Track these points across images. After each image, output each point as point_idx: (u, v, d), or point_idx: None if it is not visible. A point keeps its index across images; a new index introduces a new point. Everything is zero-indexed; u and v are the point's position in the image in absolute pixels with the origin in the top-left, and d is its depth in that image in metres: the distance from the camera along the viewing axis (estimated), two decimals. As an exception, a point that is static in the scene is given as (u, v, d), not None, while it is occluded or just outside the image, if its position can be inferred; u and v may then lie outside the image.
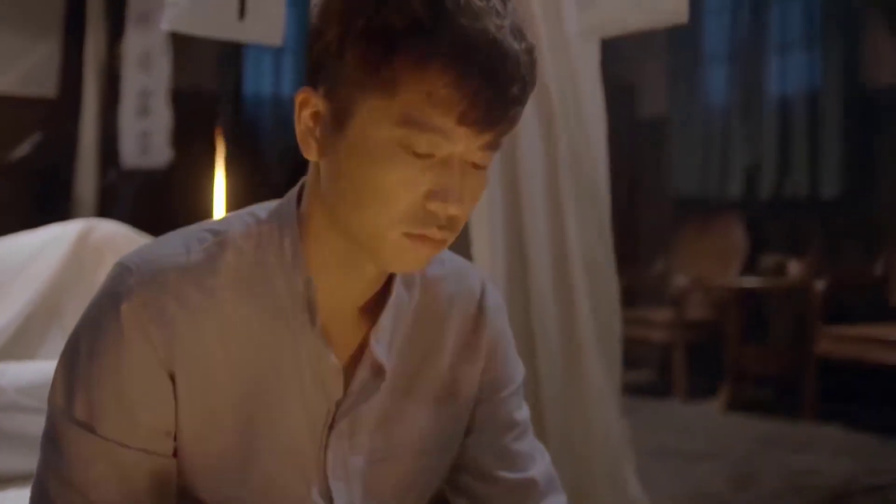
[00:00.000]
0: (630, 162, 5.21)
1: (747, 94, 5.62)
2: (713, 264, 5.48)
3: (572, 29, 2.01)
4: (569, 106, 2.13)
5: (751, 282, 5.06)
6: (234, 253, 0.98)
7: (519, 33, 0.89)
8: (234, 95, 5.25)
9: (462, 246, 2.07)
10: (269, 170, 5.30)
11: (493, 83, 0.87)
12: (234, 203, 4.71)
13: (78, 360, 0.94)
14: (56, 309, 1.96)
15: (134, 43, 4.44)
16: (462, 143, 0.89)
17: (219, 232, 0.99)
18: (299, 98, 0.95)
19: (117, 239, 2.11)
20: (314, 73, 0.94)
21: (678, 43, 5.73)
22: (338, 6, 0.90)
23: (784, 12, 5.45)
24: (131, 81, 4.45)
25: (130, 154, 4.45)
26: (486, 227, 2.06)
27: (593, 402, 2.12)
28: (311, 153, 0.95)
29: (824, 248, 5.17)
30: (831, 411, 4.49)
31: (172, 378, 0.94)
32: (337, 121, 0.91)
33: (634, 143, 5.62)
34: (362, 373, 1.01)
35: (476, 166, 0.92)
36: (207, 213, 4.82)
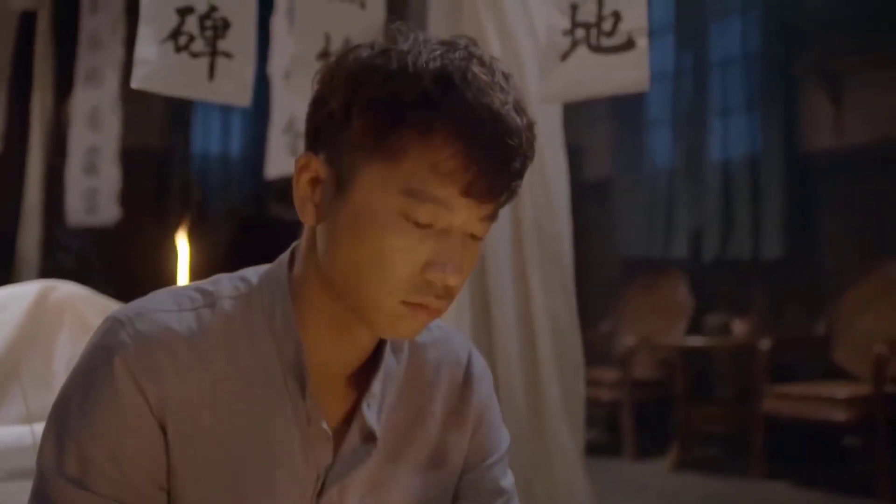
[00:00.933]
0: (577, 223, 5.27)
1: (690, 157, 5.75)
2: (659, 324, 5.55)
3: (535, 93, 2.05)
4: (532, 168, 2.16)
5: (697, 341, 5.13)
6: (224, 316, 0.97)
7: (521, 109, 0.91)
8: (183, 154, 5.22)
9: None
10: (218, 228, 5.27)
11: (497, 156, 0.89)
12: (184, 262, 4.66)
13: (69, 414, 0.92)
14: (15, 370, 1.91)
15: (83, 100, 4.41)
16: (463, 213, 0.90)
17: (209, 293, 0.99)
18: (300, 163, 0.96)
19: (76, 300, 2.07)
20: (315, 138, 0.96)
21: (622, 107, 5.85)
22: (345, 75, 0.91)
23: (724, 78, 5.62)
24: (79, 139, 4.42)
25: (77, 212, 4.39)
26: None
27: (559, 463, 2.13)
28: (308, 218, 0.95)
29: (767, 308, 5.27)
30: (779, 469, 4.54)
31: (164, 432, 0.92)
32: (338, 187, 0.92)
33: (581, 204, 5.70)
34: (352, 439, 1.01)
35: (473, 237, 0.94)
36: (156, 271, 4.76)
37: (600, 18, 1.90)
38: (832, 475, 4.55)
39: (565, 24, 1.94)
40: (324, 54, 2.09)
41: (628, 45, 1.88)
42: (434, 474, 1.09)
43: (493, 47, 2.00)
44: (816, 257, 5.16)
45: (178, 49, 1.83)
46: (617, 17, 1.89)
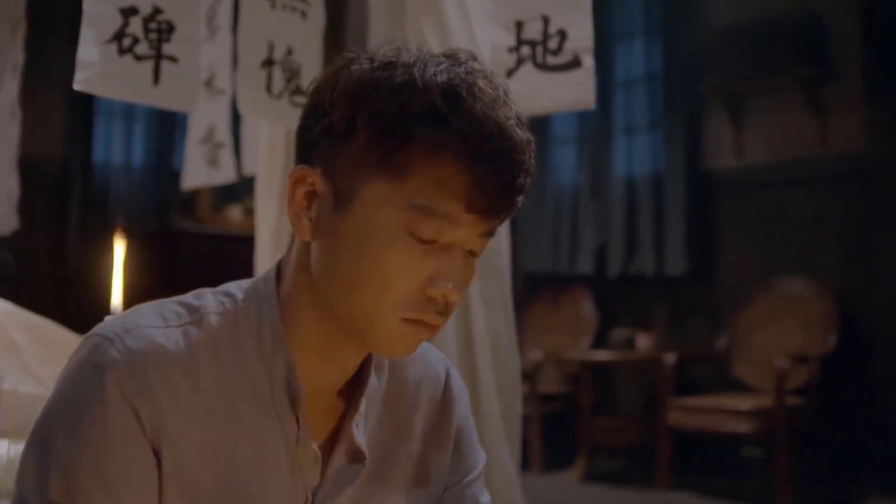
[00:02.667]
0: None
1: (595, 175, 5.87)
2: (565, 338, 5.63)
3: None
4: None
5: (602, 355, 5.22)
6: (211, 333, 0.94)
7: (522, 124, 0.91)
8: (84, 163, 5.06)
9: None
10: (119, 239, 5.10)
11: (504, 172, 0.88)
12: (85, 273, 4.50)
13: (53, 436, 0.86)
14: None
15: (-21, 106, 4.21)
16: (466, 229, 0.90)
17: (195, 309, 0.95)
18: (295, 176, 0.93)
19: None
20: (310, 151, 0.93)
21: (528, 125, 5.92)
22: (348, 87, 0.90)
23: (628, 98, 5.76)
24: (-26, 146, 4.22)
25: (-28, 222, 4.19)
26: None
27: (498, 480, 2.12)
28: (303, 233, 0.93)
29: (670, 322, 5.41)
30: (683, 479, 4.65)
31: (157, 453, 0.88)
32: (337, 201, 0.90)
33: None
34: (338, 459, 0.99)
35: (472, 253, 0.93)
36: (54, 281, 4.58)
37: (546, 36, 1.91)
38: (735, 485, 4.70)
39: (510, 41, 1.94)
40: (268, 62, 2.05)
41: (574, 63, 1.89)
42: (418, 492, 1.08)
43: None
44: (717, 274, 5.33)
45: (122, 52, 1.77)
46: (563, 35, 1.90)
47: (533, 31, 1.93)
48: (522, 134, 0.90)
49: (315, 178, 0.92)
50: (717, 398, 4.63)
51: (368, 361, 1.02)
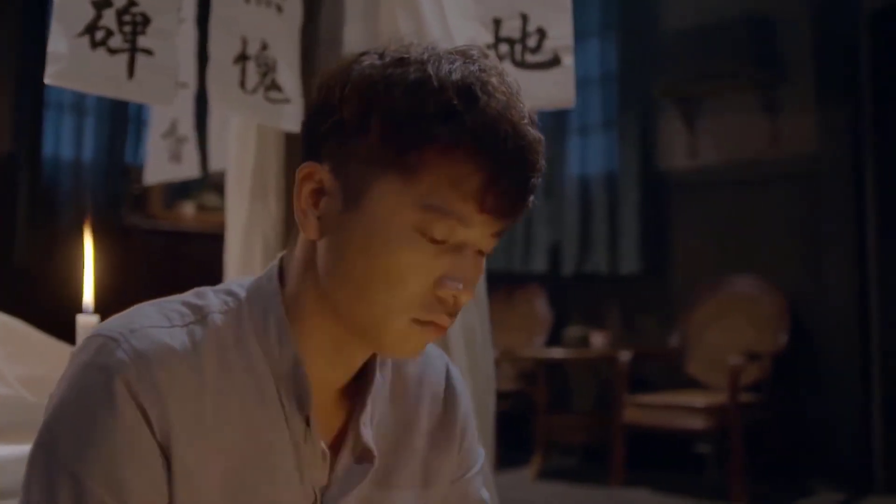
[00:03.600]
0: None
1: (550, 174, 5.89)
2: (519, 336, 5.65)
3: None
4: None
5: (557, 353, 5.25)
6: (215, 332, 0.92)
7: (533, 122, 0.90)
8: (32, 157, 4.95)
9: None
10: (68, 235, 5.01)
11: (518, 172, 0.87)
12: (34, 269, 4.41)
13: (59, 443, 0.83)
14: None
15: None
16: (478, 229, 0.89)
17: (198, 308, 0.93)
18: (302, 172, 0.92)
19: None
20: (317, 148, 0.92)
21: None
22: (360, 84, 0.88)
23: (583, 97, 5.79)
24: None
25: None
26: None
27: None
28: (311, 232, 0.91)
29: (624, 320, 5.46)
30: (638, 476, 4.70)
31: (167, 457, 0.86)
32: (347, 199, 0.89)
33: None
34: (345, 459, 0.97)
35: (480, 253, 0.92)
36: (0, 277, 4.46)
37: (525, 34, 1.91)
38: (688, 481, 4.76)
39: (488, 38, 1.93)
40: (241, 58, 2.02)
41: (554, 61, 1.90)
42: (425, 491, 1.07)
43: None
44: (670, 272, 5.39)
45: (95, 45, 1.72)
46: (542, 33, 1.90)
47: (511, 28, 1.92)
48: (535, 133, 0.89)
49: (323, 174, 0.90)
50: (671, 395, 4.69)
51: (373, 359, 1.01)
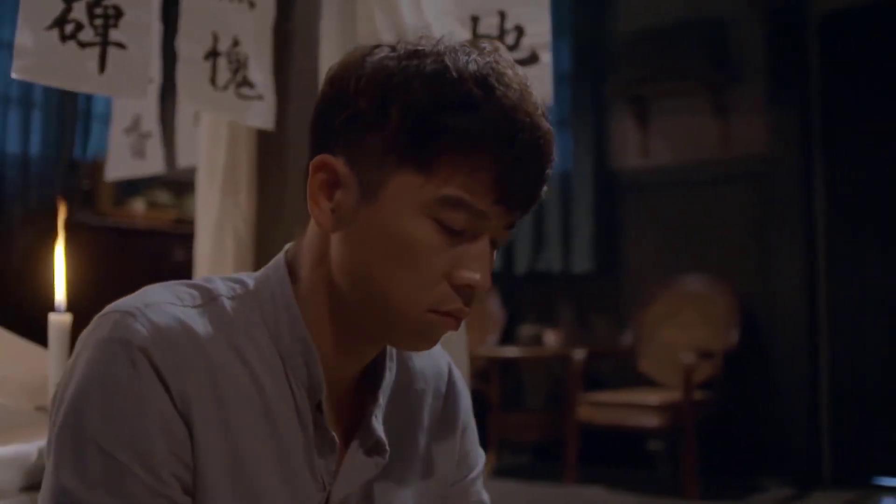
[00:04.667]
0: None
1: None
2: (473, 335, 5.62)
3: None
4: None
5: (510, 351, 5.27)
6: (225, 315, 0.91)
7: (545, 113, 0.90)
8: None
9: None
10: (14, 231, 4.89)
11: (534, 163, 0.88)
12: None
13: (86, 419, 0.82)
14: None
15: None
16: (494, 221, 0.89)
17: (207, 291, 0.92)
18: (315, 164, 0.91)
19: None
20: (330, 139, 0.91)
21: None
22: (376, 76, 0.88)
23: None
24: None
25: None
26: None
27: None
28: (324, 224, 0.90)
29: (576, 319, 5.50)
30: (591, 474, 4.74)
31: (190, 431, 0.85)
32: (364, 192, 0.88)
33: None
34: (354, 451, 0.97)
35: (493, 244, 0.92)
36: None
37: (503, 31, 1.91)
38: (641, 478, 4.81)
39: (466, 35, 1.93)
40: (212, 54, 1.98)
41: (532, 59, 1.89)
42: (425, 486, 1.06)
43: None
44: (622, 271, 5.44)
45: (65, 38, 1.67)
46: (520, 31, 1.90)
47: (489, 25, 1.92)
48: (547, 124, 0.89)
49: (338, 166, 0.89)
50: (625, 393, 4.73)
51: (382, 353, 1.01)
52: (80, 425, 0.82)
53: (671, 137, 5.25)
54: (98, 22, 1.72)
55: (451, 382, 1.12)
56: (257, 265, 2.18)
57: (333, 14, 2.03)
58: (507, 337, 5.57)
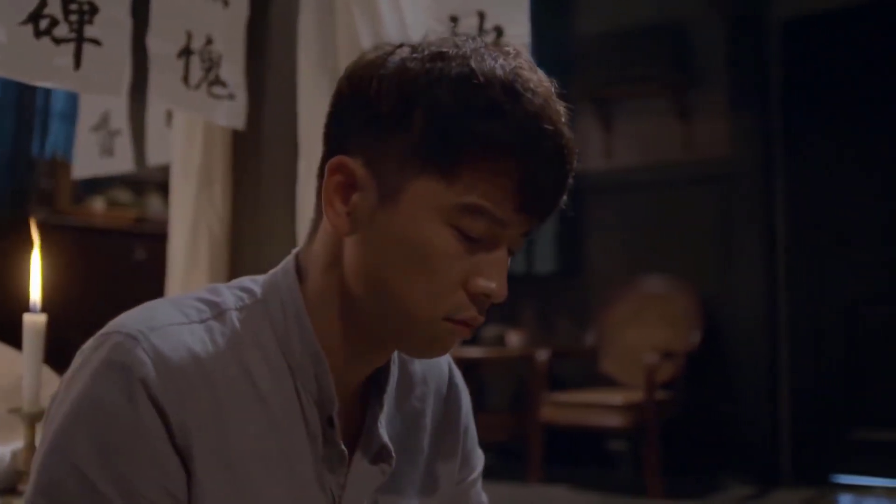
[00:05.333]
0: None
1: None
2: (436, 335, 5.64)
3: None
4: None
5: (473, 352, 5.27)
6: (233, 330, 0.89)
7: (568, 121, 0.90)
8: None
9: None
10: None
11: (556, 172, 0.88)
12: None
13: (75, 445, 0.79)
14: None
15: None
16: (513, 229, 0.88)
17: (214, 304, 0.90)
18: (332, 165, 0.89)
19: None
20: (346, 140, 0.89)
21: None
22: (399, 78, 0.86)
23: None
24: None
25: None
26: None
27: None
28: (339, 226, 0.89)
29: (539, 320, 5.52)
30: (555, 474, 4.75)
31: (187, 463, 0.82)
32: (383, 195, 0.87)
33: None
34: (360, 460, 0.95)
35: (510, 252, 0.91)
36: None
37: (482, 32, 1.91)
38: (604, 478, 4.84)
39: (445, 35, 1.93)
40: (185, 52, 1.96)
41: (510, 61, 1.90)
42: (431, 489, 1.05)
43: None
44: (585, 272, 5.46)
45: (39, 34, 1.64)
46: (499, 31, 1.91)
47: (468, 26, 1.92)
48: (570, 132, 0.89)
49: (356, 169, 0.88)
50: (588, 394, 4.75)
51: (389, 359, 1.00)
52: (68, 449, 0.79)
53: (634, 140, 5.29)
54: (73, 18, 1.69)
55: (451, 383, 1.11)
56: (232, 265, 2.17)
57: (311, 12, 2.02)
58: (472, 337, 5.55)
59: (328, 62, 1.99)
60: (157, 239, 4.73)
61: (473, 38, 0.89)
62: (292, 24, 2.03)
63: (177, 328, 0.85)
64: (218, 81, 2.03)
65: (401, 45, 0.89)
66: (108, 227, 4.87)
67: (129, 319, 0.85)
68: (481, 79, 0.83)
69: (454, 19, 1.93)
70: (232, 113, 2.04)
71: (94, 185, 4.91)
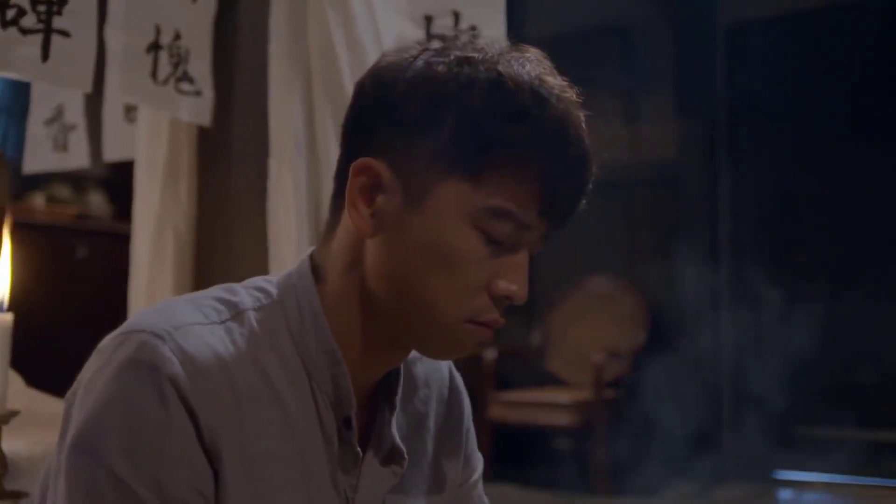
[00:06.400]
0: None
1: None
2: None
3: (367, 46, 1.98)
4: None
5: (420, 351, 5.26)
6: (251, 330, 0.88)
7: (587, 126, 0.91)
8: None
9: (261, 259, 1.98)
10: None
11: (579, 176, 0.89)
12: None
13: (102, 448, 0.77)
14: None
15: None
16: (534, 232, 0.89)
17: (233, 304, 0.89)
18: (357, 167, 0.88)
19: None
20: (369, 141, 0.89)
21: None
22: (427, 81, 0.86)
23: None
24: None
25: None
26: (293, 239, 1.94)
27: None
28: (363, 229, 0.88)
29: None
30: (504, 472, 4.77)
31: (215, 464, 0.81)
32: (409, 198, 0.86)
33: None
34: (371, 461, 0.95)
35: (529, 256, 0.92)
36: None
37: (457, 32, 1.91)
38: (552, 476, 4.87)
39: (419, 35, 1.92)
40: (154, 47, 1.92)
41: (485, 61, 1.90)
42: (437, 491, 1.05)
43: (339, 54, 1.93)
44: (532, 272, 5.47)
45: (6, 24, 1.59)
46: (474, 31, 1.90)
47: (443, 26, 1.92)
48: (589, 138, 0.90)
49: (381, 170, 0.87)
50: (536, 393, 4.78)
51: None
52: (97, 450, 0.78)
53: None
54: (41, 8, 1.65)
55: (452, 386, 1.11)
56: (199, 265, 2.13)
57: (282, 10, 1.99)
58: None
59: (299, 60, 1.97)
60: (99, 236, 4.65)
61: (494, 43, 0.90)
62: (263, 22, 2.00)
63: (199, 328, 0.84)
64: (186, 77, 1.99)
65: (424, 49, 0.89)
66: (47, 224, 4.75)
67: (150, 318, 0.83)
68: (511, 84, 0.84)
69: (429, 19, 1.93)
70: (199, 109, 2.01)
71: (34, 181, 4.78)
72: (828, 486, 4.50)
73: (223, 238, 2.09)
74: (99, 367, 0.81)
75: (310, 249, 0.97)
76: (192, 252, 2.12)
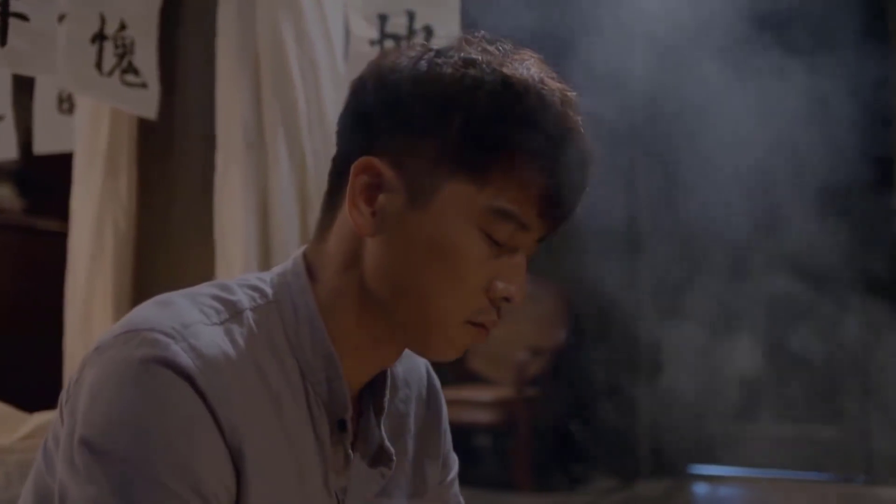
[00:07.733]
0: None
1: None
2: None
3: (333, 100, 1.98)
4: (312, 109, 2.03)
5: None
6: (249, 330, 0.87)
7: (584, 127, 0.91)
8: None
9: (208, 257, 1.94)
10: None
11: (579, 178, 0.90)
12: None
13: (126, 446, 0.75)
14: None
15: None
16: (533, 234, 0.90)
17: (231, 304, 0.87)
18: (359, 166, 0.88)
19: None
20: (370, 140, 0.89)
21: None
22: (433, 83, 0.86)
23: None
24: None
25: None
26: (241, 235, 1.91)
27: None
28: (363, 227, 0.88)
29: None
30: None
31: (237, 461, 0.80)
32: (413, 198, 0.86)
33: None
34: (359, 462, 0.94)
35: (526, 258, 0.93)
36: None
37: (411, 32, 1.90)
38: (473, 473, 4.89)
39: (373, 33, 1.91)
40: (98, 37, 1.86)
41: (440, 61, 1.90)
42: (419, 492, 1.05)
43: (288, 49, 1.90)
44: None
45: (-43, 9, 1.53)
46: (429, 31, 1.90)
47: (397, 25, 1.91)
48: (588, 141, 0.90)
49: (383, 170, 0.87)
50: (457, 390, 4.80)
51: None
52: (119, 451, 0.76)
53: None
54: (-4, -9, 1.58)
55: (431, 385, 1.11)
56: (139, 262, 2.07)
57: (230, 4, 1.96)
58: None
59: (248, 55, 1.94)
60: (7, 230, 4.48)
61: (496, 43, 0.90)
62: (210, 14, 1.96)
63: (204, 328, 0.83)
64: (131, 69, 1.94)
65: (428, 50, 0.89)
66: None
67: (154, 316, 0.81)
68: (516, 86, 0.85)
69: (383, 18, 1.92)
70: (144, 102, 1.96)
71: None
72: (741, 480, 4.64)
73: (165, 234, 2.04)
74: (105, 366, 0.79)
75: (302, 247, 0.96)
76: (133, 248, 2.06)
